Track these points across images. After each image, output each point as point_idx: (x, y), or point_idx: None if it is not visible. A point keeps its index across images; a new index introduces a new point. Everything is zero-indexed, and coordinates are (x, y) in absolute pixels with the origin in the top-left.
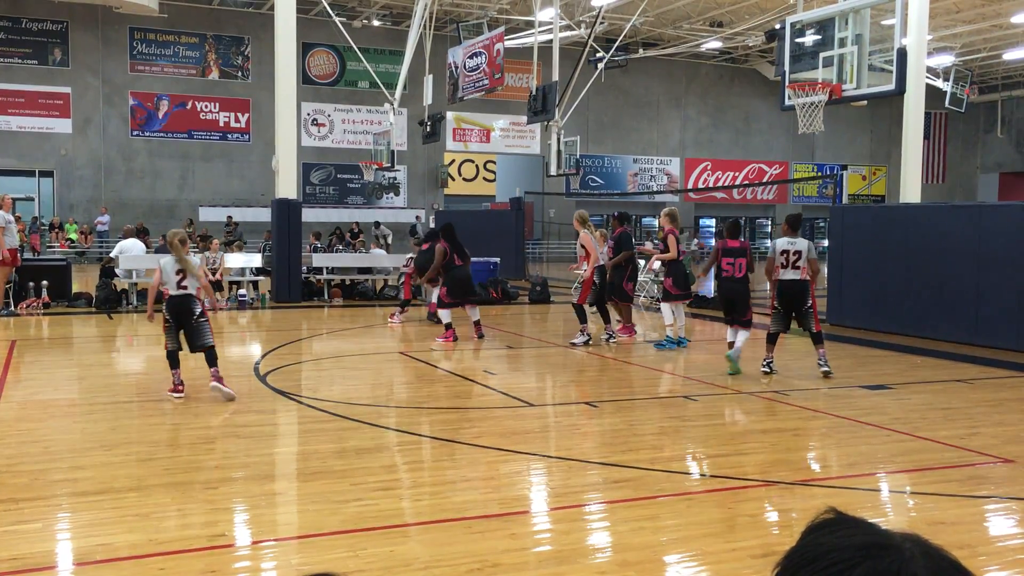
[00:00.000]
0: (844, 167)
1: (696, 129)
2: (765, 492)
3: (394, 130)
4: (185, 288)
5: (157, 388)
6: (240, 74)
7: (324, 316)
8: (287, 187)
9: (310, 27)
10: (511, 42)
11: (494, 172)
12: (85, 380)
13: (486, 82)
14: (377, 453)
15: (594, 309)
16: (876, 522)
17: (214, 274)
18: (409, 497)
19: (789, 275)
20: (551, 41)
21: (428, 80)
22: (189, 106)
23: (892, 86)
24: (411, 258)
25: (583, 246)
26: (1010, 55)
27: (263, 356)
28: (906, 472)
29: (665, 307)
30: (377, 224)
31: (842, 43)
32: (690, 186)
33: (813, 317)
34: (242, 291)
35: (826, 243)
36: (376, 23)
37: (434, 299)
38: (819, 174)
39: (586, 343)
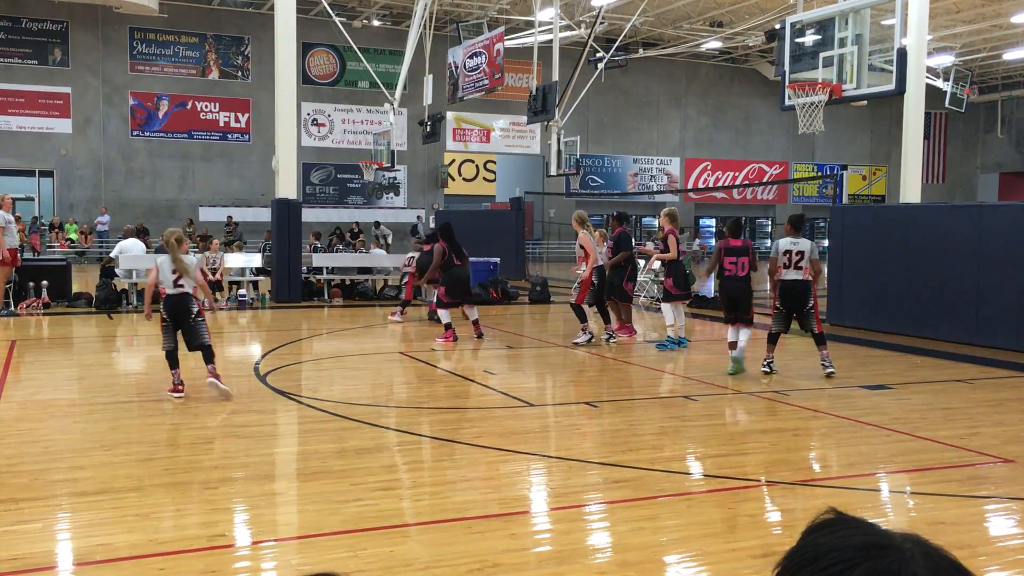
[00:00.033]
0: (844, 167)
1: (696, 129)
2: (765, 492)
3: (394, 130)
4: (182, 287)
5: (157, 388)
6: (240, 74)
7: (324, 316)
8: (287, 187)
9: (310, 27)
10: (511, 42)
11: (494, 172)
12: (85, 380)
13: (486, 82)
14: (377, 453)
15: (594, 309)
16: (876, 522)
17: (214, 274)
18: (409, 497)
19: (791, 275)
20: (551, 41)
21: (428, 80)
22: (189, 106)
23: (892, 86)
24: (412, 257)
25: (582, 246)
26: (1010, 55)
27: (263, 356)
28: (906, 472)
29: (666, 307)
30: (377, 224)
31: (842, 43)
32: (690, 186)
33: (815, 318)
34: (242, 291)
35: (826, 243)
36: (376, 23)
37: (434, 299)
38: (819, 174)
39: (589, 341)
